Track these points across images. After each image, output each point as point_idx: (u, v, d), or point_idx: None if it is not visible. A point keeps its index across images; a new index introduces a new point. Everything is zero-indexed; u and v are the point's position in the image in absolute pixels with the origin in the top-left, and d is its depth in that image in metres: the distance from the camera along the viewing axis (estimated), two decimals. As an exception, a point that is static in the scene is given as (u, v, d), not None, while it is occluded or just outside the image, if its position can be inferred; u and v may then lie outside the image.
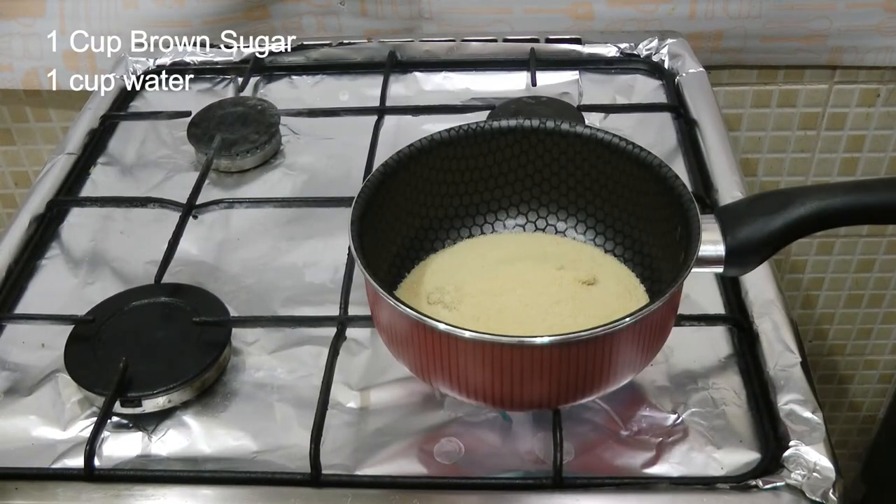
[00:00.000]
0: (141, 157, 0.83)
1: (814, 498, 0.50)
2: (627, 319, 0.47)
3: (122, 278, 0.69)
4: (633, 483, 0.53)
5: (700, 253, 0.51)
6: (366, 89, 0.90)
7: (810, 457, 0.52)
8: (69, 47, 0.99)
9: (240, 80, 0.90)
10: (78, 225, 0.75)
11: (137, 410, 0.58)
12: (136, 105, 0.90)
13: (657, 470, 0.54)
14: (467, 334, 0.47)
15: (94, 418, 0.57)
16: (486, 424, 0.57)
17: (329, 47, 0.93)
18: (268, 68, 0.93)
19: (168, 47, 0.94)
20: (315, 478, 0.53)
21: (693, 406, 0.57)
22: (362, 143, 0.80)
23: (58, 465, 0.56)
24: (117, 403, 0.57)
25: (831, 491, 0.50)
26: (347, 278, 0.66)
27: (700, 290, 0.65)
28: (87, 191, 0.79)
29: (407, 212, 0.60)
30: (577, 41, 0.91)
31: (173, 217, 0.72)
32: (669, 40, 0.91)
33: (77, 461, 0.55)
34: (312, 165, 0.81)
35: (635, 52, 0.91)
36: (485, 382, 0.49)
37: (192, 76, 0.93)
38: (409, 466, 0.55)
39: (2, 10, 0.97)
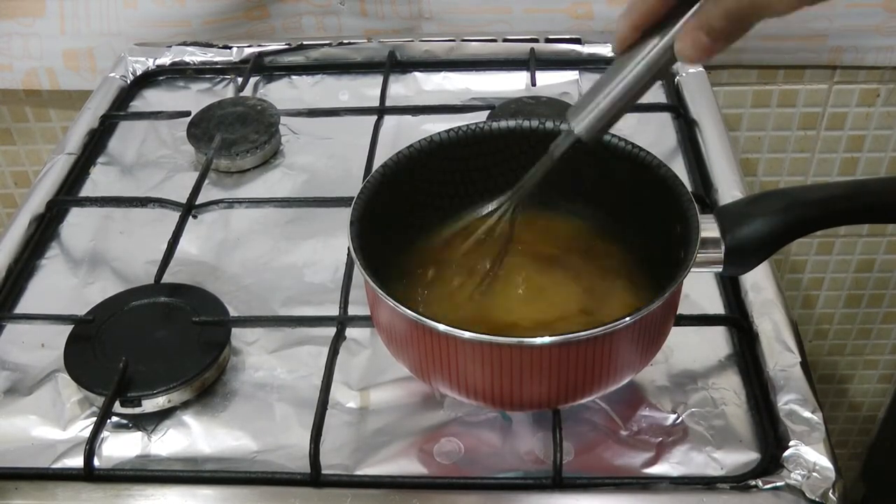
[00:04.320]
0: (141, 157, 0.83)
1: (814, 498, 0.50)
2: (627, 319, 0.48)
3: (122, 278, 0.69)
4: (632, 483, 0.53)
5: (699, 253, 0.51)
6: (365, 89, 0.90)
7: (810, 457, 0.52)
8: (69, 47, 0.99)
9: (239, 80, 0.90)
10: (78, 225, 0.75)
11: (137, 410, 0.58)
12: (136, 105, 0.90)
13: (657, 470, 0.54)
14: (467, 335, 0.47)
15: (94, 418, 0.57)
16: (486, 424, 0.57)
17: (329, 47, 0.93)
18: (268, 68, 0.93)
19: (168, 47, 0.94)
20: (315, 478, 0.53)
21: (693, 406, 0.57)
22: (362, 143, 0.80)
23: (58, 465, 0.56)
24: (117, 403, 0.57)
25: (831, 491, 0.50)
26: (347, 278, 0.66)
27: (700, 290, 0.65)
28: (87, 191, 0.79)
29: (407, 212, 0.60)
30: (577, 41, 0.91)
31: (173, 217, 0.72)
32: (669, 40, 0.91)
33: (77, 461, 0.55)
34: (312, 165, 0.81)
35: (635, 52, 0.91)
36: (485, 382, 0.50)
37: (192, 76, 0.93)
38: (409, 466, 0.55)
39: (2, 10, 0.97)
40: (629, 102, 0.49)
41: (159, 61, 0.94)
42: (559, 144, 0.52)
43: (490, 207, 0.55)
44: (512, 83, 0.90)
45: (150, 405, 0.58)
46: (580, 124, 0.50)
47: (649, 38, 0.48)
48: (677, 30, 0.46)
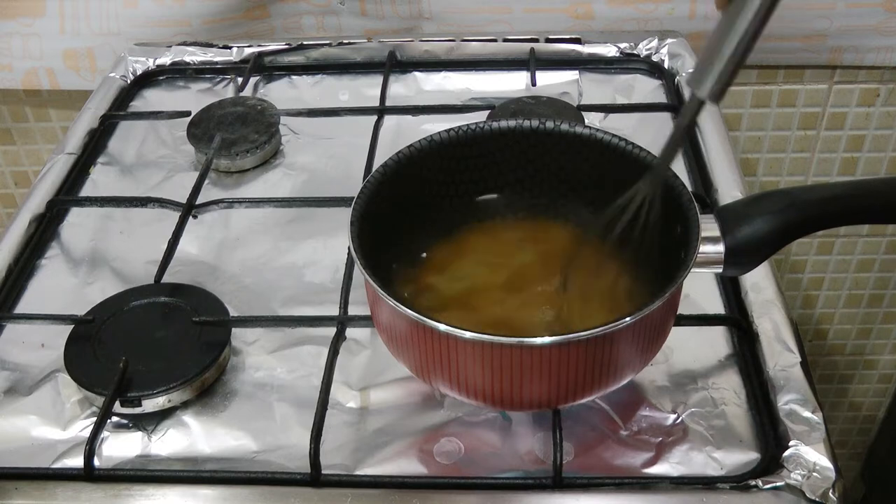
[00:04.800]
0: (141, 157, 0.83)
1: (814, 498, 0.50)
2: (627, 319, 0.48)
3: (122, 278, 0.69)
4: (632, 483, 0.53)
5: (699, 252, 0.51)
6: (366, 89, 0.90)
7: (810, 457, 0.52)
8: (69, 47, 0.99)
9: (240, 79, 0.90)
10: (78, 225, 0.75)
11: (137, 410, 0.58)
12: (136, 105, 0.90)
13: (657, 470, 0.54)
14: (467, 334, 0.47)
15: (94, 418, 0.57)
16: (486, 424, 0.57)
17: (329, 47, 0.93)
18: (268, 68, 0.93)
19: (168, 47, 0.94)
20: (315, 478, 0.53)
21: (693, 406, 0.57)
22: (362, 143, 0.80)
23: (58, 464, 0.56)
24: (117, 403, 0.57)
25: (831, 491, 0.50)
26: (347, 278, 0.66)
27: (700, 290, 0.65)
28: (87, 191, 0.79)
29: (407, 212, 0.60)
30: (577, 41, 0.91)
31: (173, 217, 0.72)
32: (669, 40, 0.91)
33: (77, 461, 0.55)
34: (312, 165, 0.81)
35: (635, 52, 0.91)
36: (485, 382, 0.50)
37: (192, 76, 0.93)
38: (409, 466, 0.55)
39: (2, 10, 0.97)
40: (748, 53, 0.47)
41: (159, 61, 0.94)
42: (685, 113, 0.50)
43: (628, 196, 0.53)
44: (512, 83, 0.90)
45: (150, 405, 0.58)
46: (704, 89, 0.48)
47: None
48: None
